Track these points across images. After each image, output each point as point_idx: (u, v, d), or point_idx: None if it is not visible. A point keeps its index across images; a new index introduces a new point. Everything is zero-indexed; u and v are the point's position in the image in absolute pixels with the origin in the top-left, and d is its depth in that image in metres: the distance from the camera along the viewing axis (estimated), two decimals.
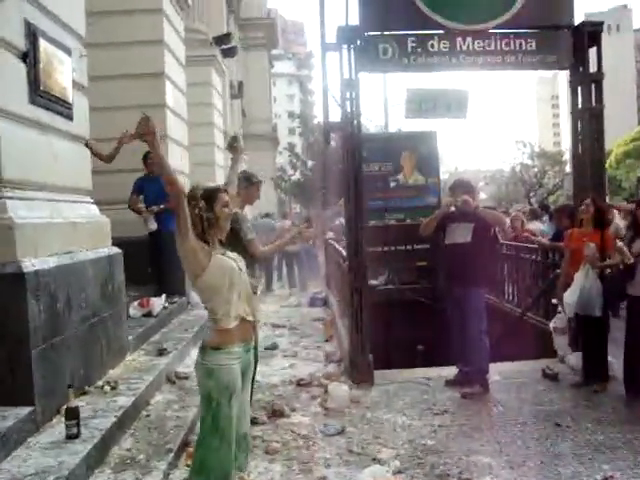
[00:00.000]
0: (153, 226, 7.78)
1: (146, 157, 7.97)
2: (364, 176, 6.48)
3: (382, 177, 11.13)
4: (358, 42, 6.02)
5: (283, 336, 8.53)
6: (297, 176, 23.34)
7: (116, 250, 5.80)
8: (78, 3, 5.58)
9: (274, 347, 7.63)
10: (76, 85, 5.35)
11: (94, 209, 5.63)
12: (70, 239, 4.83)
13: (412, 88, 6.75)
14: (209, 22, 16.85)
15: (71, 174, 5.17)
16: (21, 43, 4.43)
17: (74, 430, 3.83)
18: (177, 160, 9.59)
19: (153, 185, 7.92)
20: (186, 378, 5.75)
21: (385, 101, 23.97)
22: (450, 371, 5.92)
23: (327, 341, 8.04)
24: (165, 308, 7.64)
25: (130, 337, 6.08)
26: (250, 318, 3.26)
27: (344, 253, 7.33)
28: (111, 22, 8.55)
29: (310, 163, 22.85)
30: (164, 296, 7.66)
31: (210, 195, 3.20)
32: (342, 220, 15.93)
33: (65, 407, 3.89)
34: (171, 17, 9.36)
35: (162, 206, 7.84)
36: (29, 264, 4.06)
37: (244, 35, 29.47)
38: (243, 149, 5.08)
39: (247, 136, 28.13)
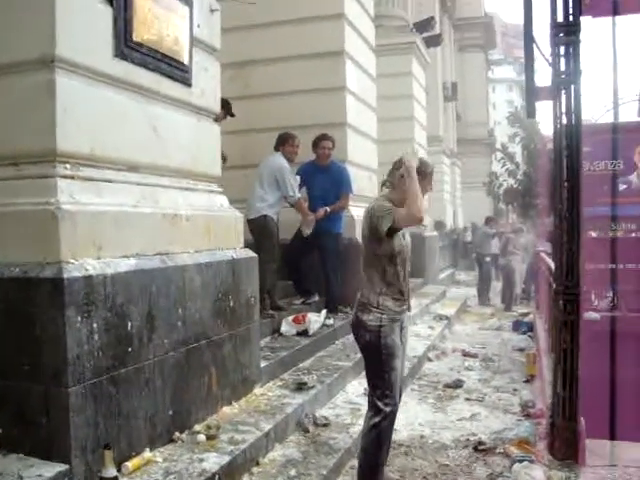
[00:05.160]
0: (308, 230, 6.51)
1: (318, 142, 6.79)
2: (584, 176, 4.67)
3: (608, 178, 8.90)
4: None
5: (473, 369, 6.81)
6: (511, 182, 20.92)
7: (246, 254, 4.58)
8: None
9: (457, 385, 5.99)
10: (199, 44, 4.24)
11: (218, 200, 4.45)
12: (166, 236, 3.68)
13: None
14: (418, 13, 15.62)
15: (182, 153, 4.04)
16: None
17: None
18: (361, 153, 8.32)
19: (322, 176, 6.73)
20: (325, 425, 4.39)
21: (615, 96, 20.51)
22: None
23: (527, 382, 6.21)
24: (327, 326, 6.36)
25: (265, 363, 4.86)
26: None
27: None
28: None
29: (523, 168, 20.37)
30: (324, 312, 6.38)
31: None
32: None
33: (100, 477, 2.69)
34: None
35: (328, 209, 6.63)
36: (76, 266, 2.94)
37: (459, 36, 27.99)
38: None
39: (462, 141, 26.52)
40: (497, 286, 13.92)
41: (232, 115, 6.16)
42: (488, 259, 13.75)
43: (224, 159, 6.66)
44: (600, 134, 9.50)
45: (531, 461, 3.90)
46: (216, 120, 4.54)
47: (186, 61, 4.09)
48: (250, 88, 7.66)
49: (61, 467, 2.79)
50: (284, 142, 6.41)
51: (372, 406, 3.44)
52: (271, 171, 6.24)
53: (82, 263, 2.98)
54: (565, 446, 4.03)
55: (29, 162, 3.10)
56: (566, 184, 4.44)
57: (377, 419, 3.39)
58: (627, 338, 6.65)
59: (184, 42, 4.06)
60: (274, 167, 6.25)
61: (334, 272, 6.67)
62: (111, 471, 2.65)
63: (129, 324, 3.23)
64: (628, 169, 8.93)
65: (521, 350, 7.69)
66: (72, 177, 3.13)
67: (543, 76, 4.74)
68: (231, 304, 4.26)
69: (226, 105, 5.78)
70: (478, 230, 16.77)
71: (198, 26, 4.25)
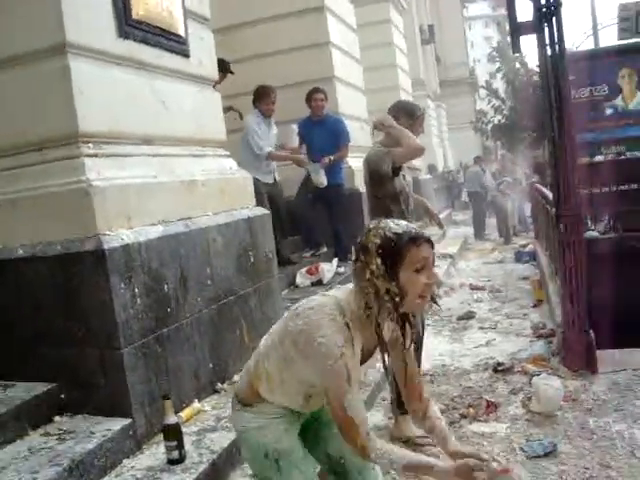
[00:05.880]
0: (324, 180, 6.71)
1: (310, 95, 6.96)
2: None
3: (594, 104, 9.05)
4: None
5: (482, 301, 7.12)
6: (499, 119, 21.01)
7: (259, 211, 4.80)
8: None
9: (469, 316, 6.28)
10: (191, 15, 4.37)
11: (227, 163, 4.64)
12: (186, 201, 3.88)
13: (626, 2, 4.96)
14: None
15: (189, 123, 4.21)
16: None
17: (175, 454, 2.89)
18: (351, 105, 8.48)
19: (319, 130, 6.90)
20: None
21: (594, 22, 20.34)
22: None
23: (535, 306, 6.52)
24: (339, 274, 6.62)
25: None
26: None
27: (551, 197, 5.75)
28: None
29: (509, 103, 20.48)
30: (335, 260, 6.63)
31: (393, 249, 1.82)
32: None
33: (163, 425, 2.95)
34: None
35: (332, 157, 6.80)
36: (113, 237, 3.15)
37: None
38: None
39: (444, 82, 26.40)
40: (493, 222, 14.21)
41: (232, 72, 6.31)
42: (481, 195, 14.05)
43: (240, 116, 6.83)
44: (582, 61, 9.60)
45: (548, 374, 4.19)
46: (214, 86, 4.70)
47: (182, 33, 4.23)
48: (237, 52, 7.72)
49: (124, 421, 3.06)
50: (258, 98, 6.44)
51: None
52: (243, 133, 6.43)
53: (117, 234, 3.20)
54: (578, 358, 4.34)
55: (54, 145, 3.28)
56: (556, 112, 4.64)
57: None
58: (624, 258, 6.85)
59: (178, 15, 4.19)
60: (244, 129, 6.42)
61: (342, 222, 6.89)
62: (173, 418, 2.90)
63: (165, 286, 3.47)
64: (613, 93, 9.06)
65: (526, 278, 7.99)
66: (96, 155, 3.31)
67: (522, 12, 4.91)
68: (251, 260, 4.49)
69: (222, 64, 5.91)
70: (468, 169, 16.99)
71: None
